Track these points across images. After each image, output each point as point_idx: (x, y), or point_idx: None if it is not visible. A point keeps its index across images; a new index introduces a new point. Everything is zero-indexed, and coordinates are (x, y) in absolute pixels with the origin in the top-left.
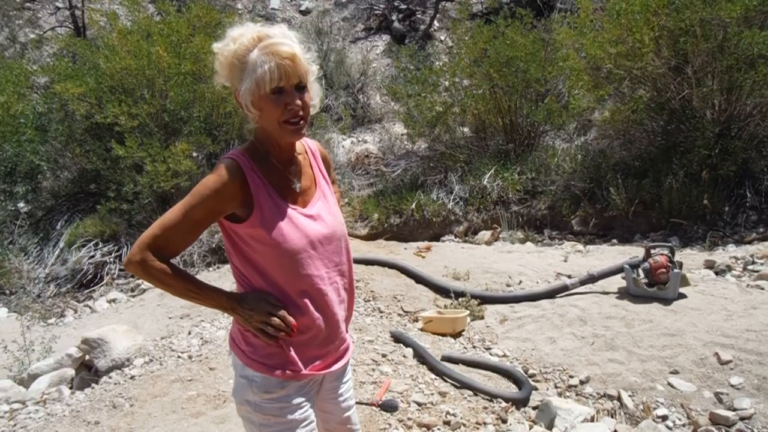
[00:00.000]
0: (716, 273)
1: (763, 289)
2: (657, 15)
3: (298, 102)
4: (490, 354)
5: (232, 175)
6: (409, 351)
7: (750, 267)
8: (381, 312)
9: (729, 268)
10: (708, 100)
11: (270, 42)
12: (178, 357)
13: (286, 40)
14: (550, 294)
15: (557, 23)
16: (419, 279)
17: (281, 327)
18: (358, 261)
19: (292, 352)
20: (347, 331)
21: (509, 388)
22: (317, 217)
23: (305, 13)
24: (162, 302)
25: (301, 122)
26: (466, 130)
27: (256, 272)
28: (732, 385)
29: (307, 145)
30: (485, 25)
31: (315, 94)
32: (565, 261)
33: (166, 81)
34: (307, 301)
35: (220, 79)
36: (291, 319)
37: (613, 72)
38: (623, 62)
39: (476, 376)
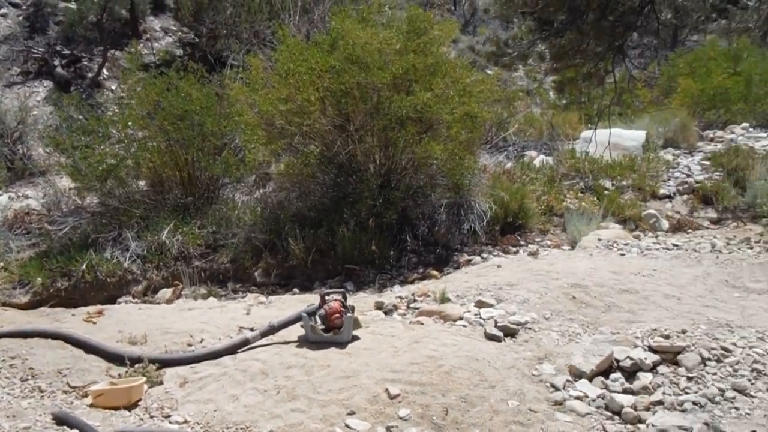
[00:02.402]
0: (385, 313)
1: (423, 324)
2: (321, 77)
3: None
4: (170, 422)
5: None
6: None
7: (412, 305)
8: (42, 391)
9: (395, 308)
10: (370, 155)
11: None
12: None
13: None
14: (232, 350)
15: (230, 79)
16: (89, 348)
17: None
18: (14, 335)
19: None
20: None
21: None
22: None
23: None
24: None
25: None
26: (141, 183)
27: None
28: (401, 418)
29: None
30: (158, 76)
31: None
32: (248, 314)
33: None
34: None
35: None
36: None
37: (285, 128)
38: (294, 119)
39: None
